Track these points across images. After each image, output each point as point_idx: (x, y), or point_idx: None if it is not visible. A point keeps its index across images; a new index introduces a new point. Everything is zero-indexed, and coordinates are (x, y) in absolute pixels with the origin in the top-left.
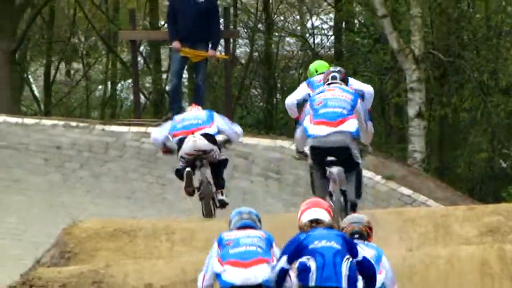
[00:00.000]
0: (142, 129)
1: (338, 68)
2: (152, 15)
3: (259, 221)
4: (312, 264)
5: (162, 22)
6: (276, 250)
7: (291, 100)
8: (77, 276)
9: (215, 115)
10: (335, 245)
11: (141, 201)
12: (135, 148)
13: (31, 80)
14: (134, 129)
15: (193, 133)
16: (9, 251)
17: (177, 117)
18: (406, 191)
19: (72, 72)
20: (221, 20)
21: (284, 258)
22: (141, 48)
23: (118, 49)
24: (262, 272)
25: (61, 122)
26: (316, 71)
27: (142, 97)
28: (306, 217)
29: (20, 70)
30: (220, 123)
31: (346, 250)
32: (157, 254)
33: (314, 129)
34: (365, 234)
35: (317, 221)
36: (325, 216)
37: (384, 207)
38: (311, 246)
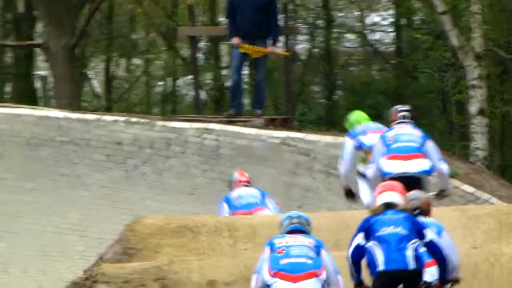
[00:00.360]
0: (204, 125)
1: (406, 107)
2: (211, 11)
3: (309, 224)
4: (378, 251)
5: (222, 18)
6: (325, 255)
7: (345, 167)
8: (140, 272)
9: (266, 199)
10: (402, 230)
11: (203, 197)
12: (197, 144)
13: (92, 75)
14: (195, 125)
15: (251, 213)
16: (73, 247)
17: (233, 194)
18: (469, 188)
19: (132, 68)
20: (281, 16)
21: (361, 234)
22: (201, 44)
23: (178, 45)
24: (312, 286)
25: (122, 118)
26: (359, 123)
27: (202, 93)
28: (380, 200)
29: (80, 66)
30: (271, 208)
31: (414, 233)
32: (220, 251)
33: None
34: (425, 210)
35: (391, 204)
36: (398, 199)
37: (447, 205)
38: (378, 234)
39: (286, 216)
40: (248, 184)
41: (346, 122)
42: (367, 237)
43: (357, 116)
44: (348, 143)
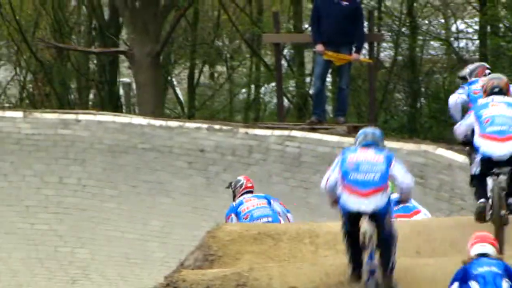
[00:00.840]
0: (286, 132)
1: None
2: (296, 18)
3: (382, 140)
4: (475, 286)
5: (306, 25)
6: (397, 166)
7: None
8: (221, 279)
9: (274, 204)
10: (496, 270)
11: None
12: (279, 151)
13: (175, 82)
14: (277, 132)
15: None
16: (154, 254)
17: (242, 208)
18: None
19: (215, 75)
20: (365, 24)
21: (456, 284)
22: (285, 51)
23: (262, 52)
24: (376, 202)
25: (205, 125)
26: None
27: (285, 100)
28: (474, 251)
29: (164, 73)
30: (280, 211)
31: (506, 275)
32: (301, 258)
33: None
34: (505, 89)
35: (484, 255)
36: (491, 251)
37: None
38: (474, 272)
39: (362, 131)
40: (252, 189)
41: None
42: (464, 281)
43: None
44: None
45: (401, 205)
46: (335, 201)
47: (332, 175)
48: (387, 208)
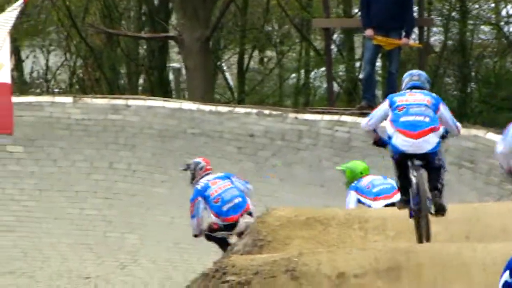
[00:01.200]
0: (335, 117)
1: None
2: (345, 3)
3: (428, 82)
4: None
5: (356, 10)
6: (443, 110)
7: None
8: (270, 264)
9: (234, 180)
10: None
11: (333, 190)
12: (328, 136)
13: (225, 68)
14: (327, 117)
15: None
16: (203, 239)
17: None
18: None
19: (265, 60)
20: (415, 8)
21: (507, 273)
22: (335, 36)
23: (312, 37)
24: (430, 141)
25: (254, 110)
26: (361, 174)
27: (335, 85)
28: None
29: (213, 58)
30: (241, 186)
31: None
32: (350, 243)
33: None
34: None
35: None
36: None
37: None
38: None
39: (408, 73)
40: (210, 171)
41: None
42: None
43: (362, 167)
44: (352, 195)
45: (381, 187)
46: (376, 141)
47: (375, 115)
48: (438, 147)
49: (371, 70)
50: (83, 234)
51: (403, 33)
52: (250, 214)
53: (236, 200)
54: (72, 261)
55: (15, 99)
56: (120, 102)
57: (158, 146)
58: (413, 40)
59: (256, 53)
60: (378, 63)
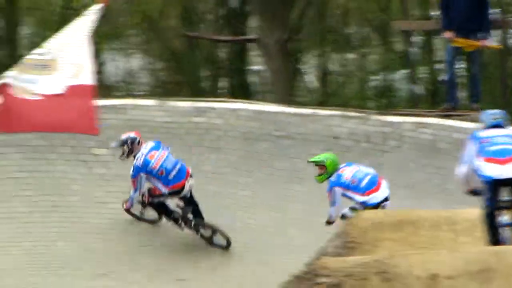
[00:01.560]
0: (419, 119)
1: None
2: (424, 5)
3: (506, 120)
4: None
5: (434, 12)
6: None
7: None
8: (362, 266)
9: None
10: None
11: (421, 192)
12: (413, 138)
13: (305, 70)
14: (411, 119)
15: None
16: (294, 241)
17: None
18: None
19: (345, 62)
20: (496, 10)
21: None
22: (414, 38)
23: (392, 39)
24: None
25: (338, 113)
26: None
27: (417, 87)
28: None
29: (293, 60)
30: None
31: None
32: (440, 245)
33: None
34: None
35: None
36: None
37: None
38: None
39: (489, 113)
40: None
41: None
42: None
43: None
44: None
45: (367, 180)
46: (471, 190)
47: (463, 162)
48: None
49: (452, 71)
50: (172, 236)
51: (481, 35)
52: (191, 176)
53: (178, 166)
54: (166, 264)
55: (99, 101)
56: (203, 104)
57: (243, 148)
58: (491, 41)
59: (336, 55)
60: (462, 64)
